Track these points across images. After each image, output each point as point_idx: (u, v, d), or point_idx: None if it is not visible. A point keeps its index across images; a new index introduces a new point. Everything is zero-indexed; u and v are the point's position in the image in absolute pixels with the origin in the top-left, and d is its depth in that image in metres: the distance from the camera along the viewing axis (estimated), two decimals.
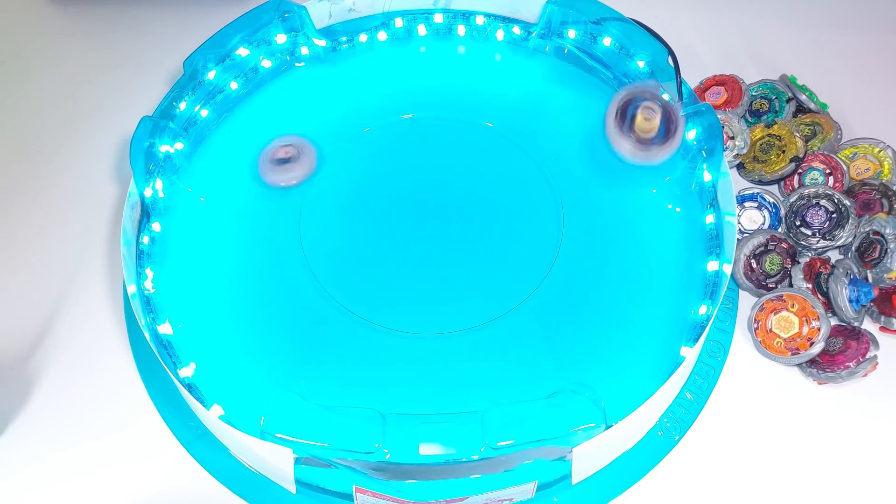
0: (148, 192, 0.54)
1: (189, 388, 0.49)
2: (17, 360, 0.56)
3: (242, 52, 0.60)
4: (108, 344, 0.57)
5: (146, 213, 0.55)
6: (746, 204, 0.60)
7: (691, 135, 0.55)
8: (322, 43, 0.63)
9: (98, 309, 0.58)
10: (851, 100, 0.66)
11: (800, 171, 0.61)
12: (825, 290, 0.55)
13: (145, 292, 0.52)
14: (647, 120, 0.51)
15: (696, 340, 0.49)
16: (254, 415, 0.47)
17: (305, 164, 0.58)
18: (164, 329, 0.52)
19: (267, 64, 0.62)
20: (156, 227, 0.55)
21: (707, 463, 0.52)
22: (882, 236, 0.56)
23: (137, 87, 0.69)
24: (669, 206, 0.57)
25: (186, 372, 0.50)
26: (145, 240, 0.54)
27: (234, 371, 0.52)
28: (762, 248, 0.58)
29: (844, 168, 0.60)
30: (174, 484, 0.52)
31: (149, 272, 0.53)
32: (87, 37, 0.74)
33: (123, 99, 0.69)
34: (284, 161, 0.57)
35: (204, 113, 0.59)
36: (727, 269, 0.51)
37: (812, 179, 0.60)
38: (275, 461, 0.47)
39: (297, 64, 0.63)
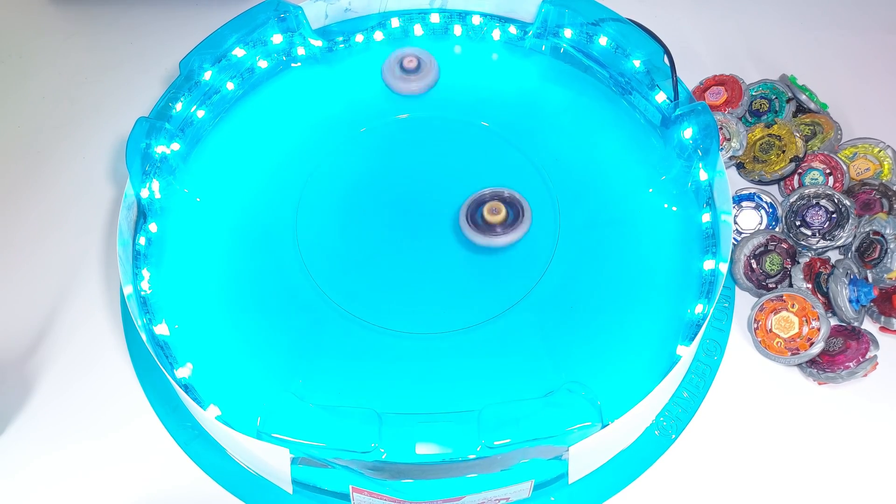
0: (144, 193, 0.54)
1: (186, 388, 0.49)
2: (15, 361, 0.56)
3: (238, 52, 0.60)
4: (105, 345, 0.57)
5: (143, 214, 0.55)
6: (744, 204, 0.60)
7: (687, 133, 0.55)
8: (318, 43, 0.63)
9: (95, 310, 0.58)
10: (851, 100, 0.66)
11: (800, 171, 0.61)
12: (825, 290, 0.55)
13: (142, 293, 0.52)
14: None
15: (693, 339, 0.48)
16: (250, 415, 0.47)
17: (429, 75, 0.61)
18: (161, 330, 0.52)
19: (263, 64, 0.62)
20: (152, 227, 0.55)
21: (704, 462, 0.52)
22: (882, 236, 0.56)
23: (134, 88, 0.70)
24: (666, 205, 0.56)
25: (183, 372, 0.50)
26: (142, 241, 0.54)
27: (231, 371, 0.52)
28: (762, 249, 0.57)
29: (844, 168, 0.60)
30: (171, 484, 0.52)
31: (145, 273, 0.53)
32: (85, 37, 0.74)
33: (120, 99, 0.69)
34: (410, 71, 0.61)
35: (200, 114, 0.59)
36: (723, 267, 0.50)
37: (812, 179, 0.60)
38: (271, 461, 0.47)
39: (293, 64, 0.63)
